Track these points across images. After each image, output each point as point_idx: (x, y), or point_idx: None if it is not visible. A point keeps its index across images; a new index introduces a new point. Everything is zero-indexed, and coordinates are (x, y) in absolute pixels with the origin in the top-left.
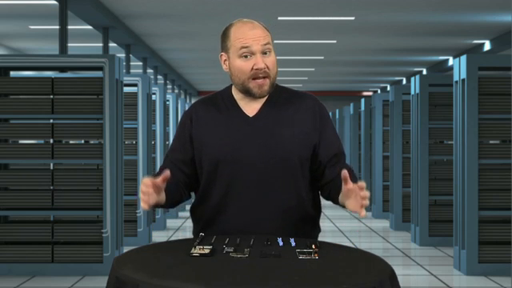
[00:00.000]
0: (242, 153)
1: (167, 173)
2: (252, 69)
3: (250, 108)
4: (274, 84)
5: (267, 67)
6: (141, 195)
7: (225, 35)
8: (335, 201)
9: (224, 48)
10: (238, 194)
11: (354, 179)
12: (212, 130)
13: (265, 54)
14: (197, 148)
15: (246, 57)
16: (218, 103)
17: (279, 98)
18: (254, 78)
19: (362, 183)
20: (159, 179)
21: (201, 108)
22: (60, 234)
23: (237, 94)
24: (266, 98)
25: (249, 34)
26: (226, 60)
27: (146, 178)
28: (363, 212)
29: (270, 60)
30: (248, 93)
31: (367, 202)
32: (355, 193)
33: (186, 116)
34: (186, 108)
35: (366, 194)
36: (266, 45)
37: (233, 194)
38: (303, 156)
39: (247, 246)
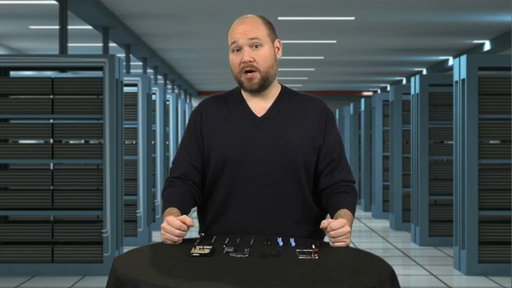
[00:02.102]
0: (249, 152)
1: (189, 221)
2: (240, 63)
3: (259, 108)
4: (267, 78)
5: (255, 60)
6: (166, 234)
7: (227, 32)
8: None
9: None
10: (242, 193)
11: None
12: (220, 129)
13: (256, 47)
14: (206, 144)
15: (236, 51)
16: (228, 102)
17: (288, 99)
18: (245, 72)
19: (334, 223)
20: (183, 222)
21: (210, 105)
22: (60, 233)
23: (245, 93)
24: (275, 98)
25: (237, 29)
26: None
27: (171, 218)
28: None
29: (259, 54)
30: (242, 86)
31: (334, 241)
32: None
33: (197, 112)
34: (186, 108)
35: (333, 234)
36: (253, 39)
37: (237, 192)
38: (308, 158)
39: (247, 246)
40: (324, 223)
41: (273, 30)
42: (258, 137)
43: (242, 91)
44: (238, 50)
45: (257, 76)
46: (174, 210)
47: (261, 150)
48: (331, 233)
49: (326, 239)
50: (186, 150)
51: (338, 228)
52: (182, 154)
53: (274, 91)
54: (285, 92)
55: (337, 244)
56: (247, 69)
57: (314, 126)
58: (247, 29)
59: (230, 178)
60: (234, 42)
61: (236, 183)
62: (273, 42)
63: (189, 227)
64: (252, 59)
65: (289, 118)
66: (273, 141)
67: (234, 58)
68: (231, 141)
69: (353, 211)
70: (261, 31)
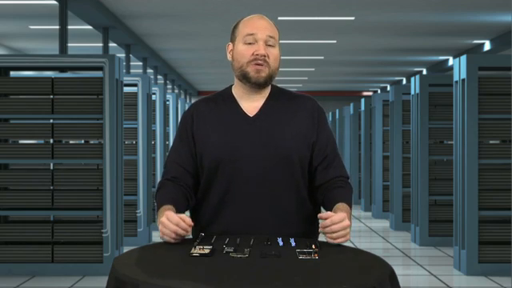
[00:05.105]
0: (242, 152)
1: (188, 220)
2: (253, 54)
3: (251, 107)
4: (272, 76)
5: (268, 56)
6: (164, 229)
7: (235, 26)
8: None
9: (232, 38)
10: (237, 193)
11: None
12: (213, 130)
13: (269, 45)
14: (198, 146)
15: (249, 44)
16: (219, 103)
17: (279, 98)
18: (255, 64)
19: (336, 217)
20: (182, 219)
21: (202, 107)
22: (60, 234)
23: (237, 93)
24: (266, 97)
25: (256, 23)
26: (231, 50)
27: (171, 213)
28: (337, 240)
29: (273, 52)
30: (245, 78)
31: (336, 236)
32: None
33: (188, 114)
34: (186, 108)
35: (334, 228)
36: (270, 37)
37: (232, 193)
38: (303, 155)
39: (247, 246)
40: (323, 215)
41: (279, 37)
42: (251, 136)
43: (234, 90)
44: (250, 43)
45: (266, 70)
46: (170, 206)
47: (254, 149)
48: (332, 227)
49: (322, 238)
50: (178, 153)
51: (339, 222)
52: (174, 157)
53: (266, 91)
54: (275, 91)
55: (337, 240)
56: (259, 62)
57: (307, 123)
58: (267, 26)
59: (225, 179)
60: (250, 34)
61: (231, 183)
62: (279, 46)
63: (188, 227)
64: (266, 54)
65: (281, 117)
66: (266, 139)
67: (245, 49)
68: (224, 141)
69: (350, 205)
70: (275, 33)
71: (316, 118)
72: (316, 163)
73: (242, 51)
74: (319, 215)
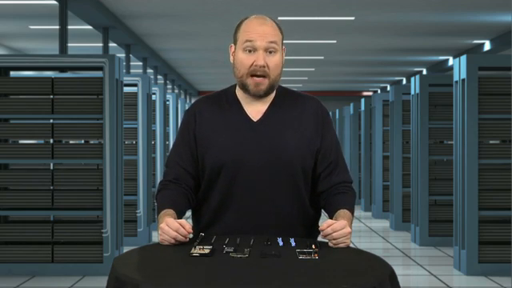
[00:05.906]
0: (245, 157)
1: (188, 227)
2: (252, 64)
3: (254, 111)
4: (273, 85)
5: (267, 66)
6: (163, 235)
7: (237, 27)
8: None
9: (234, 40)
10: (238, 197)
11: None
12: (215, 133)
13: (270, 52)
14: (200, 147)
15: (249, 51)
16: (222, 104)
17: (284, 100)
18: (252, 75)
19: (336, 225)
20: (182, 225)
21: (204, 108)
22: (60, 234)
23: (240, 94)
24: (270, 100)
25: (256, 29)
26: (233, 52)
27: (170, 219)
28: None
29: (273, 60)
30: (244, 89)
31: (336, 242)
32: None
33: (190, 114)
34: (186, 108)
35: (335, 235)
36: (271, 43)
37: (233, 197)
38: (306, 162)
39: (247, 246)
40: (324, 225)
41: (283, 37)
42: (255, 142)
43: (238, 92)
44: (250, 51)
45: (265, 82)
46: (171, 211)
47: (258, 156)
48: (333, 234)
49: (322, 238)
50: (179, 153)
51: (340, 229)
52: (175, 157)
53: (271, 94)
54: (280, 93)
55: (338, 246)
56: (258, 73)
57: (311, 127)
58: (268, 31)
59: (227, 183)
60: (249, 41)
61: (232, 188)
62: (282, 49)
63: (188, 233)
64: (265, 65)
65: (285, 122)
66: (269, 146)
67: (245, 58)
68: (227, 146)
69: (352, 211)
70: (278, 37)
71: (320, 122)
72: (320, 170)
73: (241, 60)
74: (320, 229)
